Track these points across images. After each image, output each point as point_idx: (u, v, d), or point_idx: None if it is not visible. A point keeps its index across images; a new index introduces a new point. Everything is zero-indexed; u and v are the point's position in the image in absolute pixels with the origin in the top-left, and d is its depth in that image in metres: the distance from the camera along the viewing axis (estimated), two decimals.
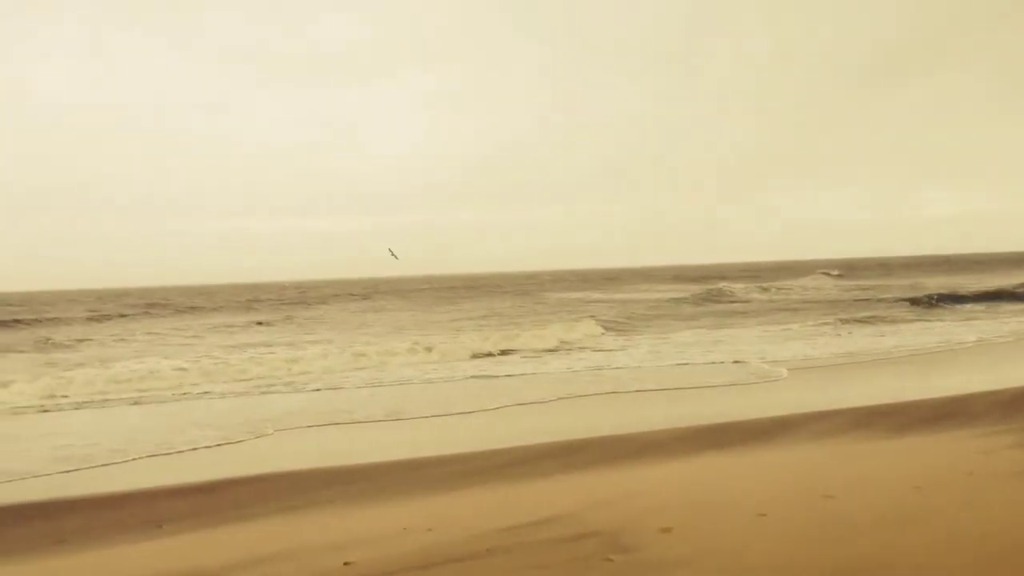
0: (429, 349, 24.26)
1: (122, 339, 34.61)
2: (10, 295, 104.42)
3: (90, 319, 49.53)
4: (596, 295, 67.67)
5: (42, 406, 16.71)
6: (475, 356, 23.64)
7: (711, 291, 58.56)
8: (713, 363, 19.80)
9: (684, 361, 20.50)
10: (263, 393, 17.66)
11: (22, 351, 29.96)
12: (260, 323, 42.89)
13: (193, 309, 58.18)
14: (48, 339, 34.45)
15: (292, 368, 21.23)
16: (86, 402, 17.15)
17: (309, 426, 13.37)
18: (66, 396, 17.68)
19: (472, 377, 19.04)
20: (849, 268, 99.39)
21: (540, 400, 15.20)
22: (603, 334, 30.39)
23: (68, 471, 10.56)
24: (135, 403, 16.86)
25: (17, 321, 47.15)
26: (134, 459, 11.18)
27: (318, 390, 17.85)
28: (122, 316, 51.53)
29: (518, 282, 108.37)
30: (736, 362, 19.65)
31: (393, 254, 24.95)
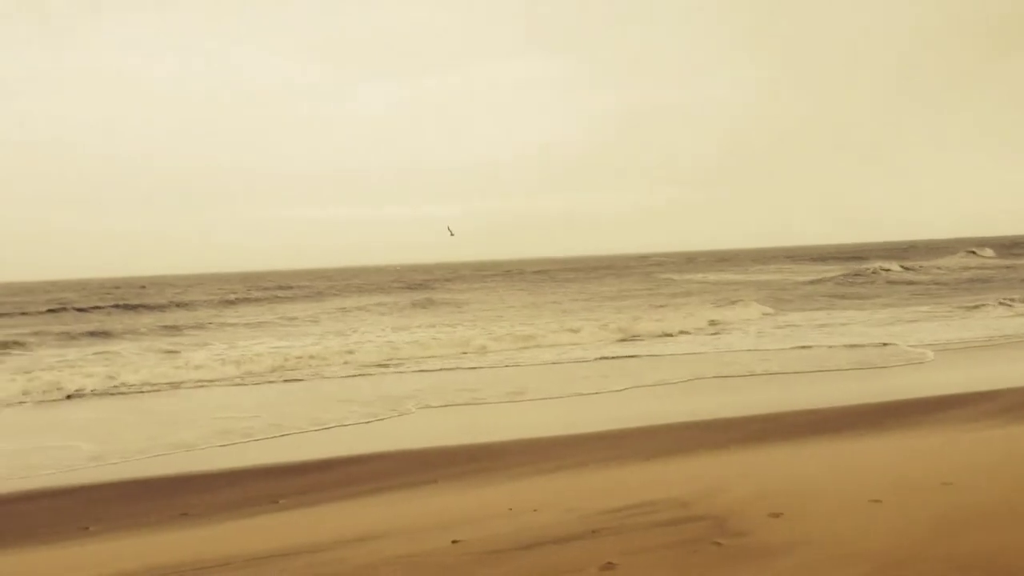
0: (569, 331, 24.14)
1: (251, 321, 35.67)
2: (140, 278, 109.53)
3: (218, 303, 51.45)
4: (729, 277, 65.92)
5: (183, 383, 17.52)
6: (615, 338, 23.25)
7: (856, 271, 56.75)
8: (854, 345, 19.13)
9: (826, 343, 19.86)
10: (395, 373, 18.07)
11: (150, 332, 31.33)
12: (382, 304, 43.68)
13: (316, 293, 59.77)
14: (178, 321, 35.96)
15: (419, 349, 21.59)
16: (216, 380, 17.86)
17: (436, 406, 13.63)
18: (202, 375, 18.38)
19: (605, 358, 18.93)
20: (987, 246, 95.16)
21: (667, 382, 15.08)
22: (764, 316, 29.29)
23: (227, 444, 11.20)
24: (269, 382, 17.50)
25: (146, 305, 49.44)
26: (286, 435, 11.71)
27: (444, 370, 18.20)
28: (248, 300, 53.25)
29: (630, 263, 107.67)
30: (883, 344, 18.96)
31: (451, 232, 25.90)
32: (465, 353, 20.95)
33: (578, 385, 15.19)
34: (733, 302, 33.11)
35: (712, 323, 26.30)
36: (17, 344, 27.18)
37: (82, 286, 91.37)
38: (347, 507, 7.39)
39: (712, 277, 66.32)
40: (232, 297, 55.22)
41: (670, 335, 23.80)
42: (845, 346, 19.09)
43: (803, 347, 19.36)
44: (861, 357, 17.14)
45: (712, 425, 10.51)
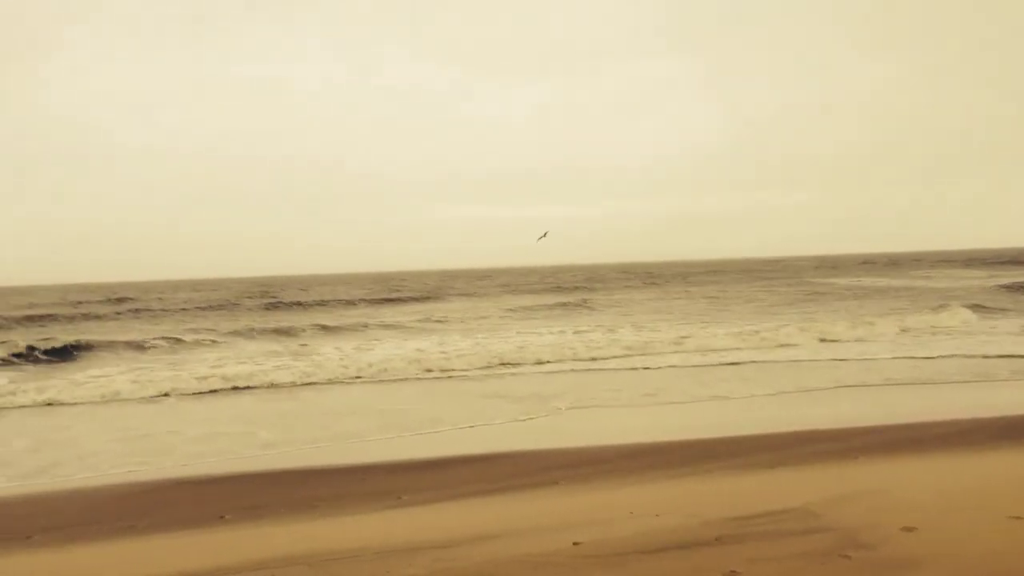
0: (714, 334, 23.90)
1: (402, 321, 35.76)
2: (286, 278, 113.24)
3: (369, 301, 52.45)
4: (887, 282, 61.54)
5: (342, 379, 18.25)
6: (770, 342, 22.60)
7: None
8: (1017, 356, 18.19)
9: (988, 352, 18.91)
10: (542, 373, 18.34)
11: (308, 329, 32.21)
12: (532, 306, 43.32)
13: (465, 294, 60.17)
14: (333, 320, 36.75)
15: (564, 350, 21.69)
16: (371, 377, 18.48)
17: (572, 407, 13.71)
18: (359, 371, 19.03)
19: (754, 362, 18.67)
20: None
21: (809, 388, 14.77)
22: (982, 319, 27.96)
23: (392, 437, 11.78)
24: (422, 379, 18.06)
25: (299, 303, 51.00)
26: (441, 431, 12.14)
27: (589, 371, 18.37)
28: (393, 300, 53.87)
29: (764, 269, 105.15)
30: None
31: (542, 236, 26.28)
32: (611, 355, 20.86)
33: (717, 388, 15.12)
34: (937, 307, 31.65)
35: (907, 330, 25.14)
36: (180, 340, 28.65)
37: (227, 285, 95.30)
38: (471, 505, 7.47)
39: (867, 282, 62.23)
40: (380, 296, 56.18)
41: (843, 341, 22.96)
42: (1006, 356, 18.17)
43: (976, 355, 18.49)
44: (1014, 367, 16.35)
45: (846, 434, 10.16)
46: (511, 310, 41.15)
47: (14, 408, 15.68)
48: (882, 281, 61.90)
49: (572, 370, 18.57)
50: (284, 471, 9.75)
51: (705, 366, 18.42)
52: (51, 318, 42.12)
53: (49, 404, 15.96)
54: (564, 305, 43.55)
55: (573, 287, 65.77)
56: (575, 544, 5.61)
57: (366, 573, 5.29)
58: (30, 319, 41.34)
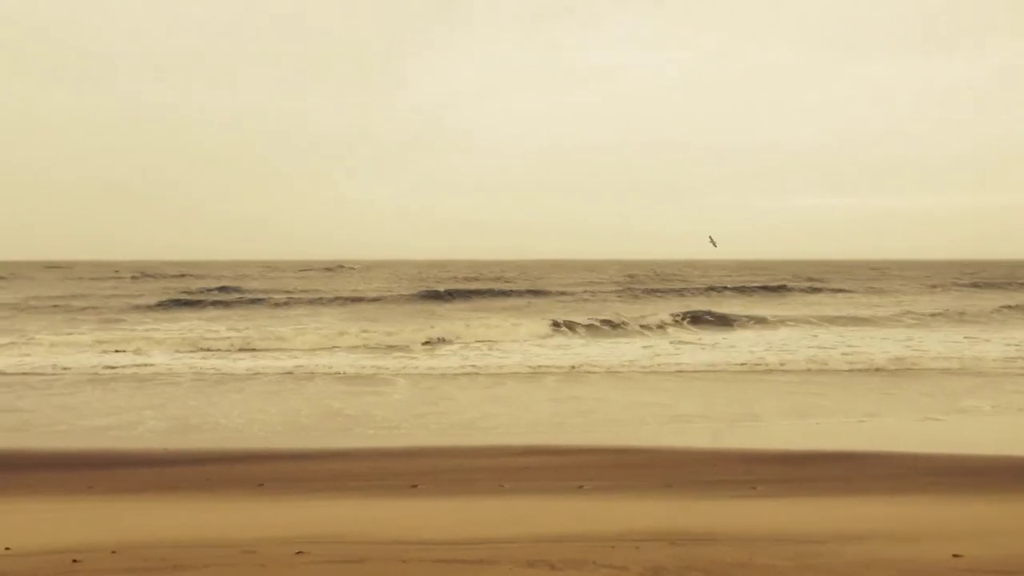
0: None
1: (790, 314, 33.31)
2: (653, 262, 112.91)
3: (743, 289, 49.94)
4: None
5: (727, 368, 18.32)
6: None
7: None
8: None
9: None
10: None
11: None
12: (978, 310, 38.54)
13: (815, 290, 55.40)
14: (712, 307, 35.39)
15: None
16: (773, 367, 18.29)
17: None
18: (747, 360, 19.05)
19: None
20: None
21: None
22: None
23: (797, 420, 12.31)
24: (827, 372, 17.73)
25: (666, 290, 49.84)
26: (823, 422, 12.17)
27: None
28: (771, 289, 50.94)
29: None
30: None
31: (713, 242, 24.58)
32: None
33: None
34: None
35: None
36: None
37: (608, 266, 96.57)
38: (834, 502, 7.12)
39: None
40: (808, 287, 52.75)
41: None
42: None
43: None
44: None
45: None
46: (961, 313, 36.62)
47: (463, 375, 17.25)
48: None
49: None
50: (637, 449, 9.97)
51: None
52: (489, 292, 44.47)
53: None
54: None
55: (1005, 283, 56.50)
56: (955, 556, 5.23)
57: (727, 557, 5.25)
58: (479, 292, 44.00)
